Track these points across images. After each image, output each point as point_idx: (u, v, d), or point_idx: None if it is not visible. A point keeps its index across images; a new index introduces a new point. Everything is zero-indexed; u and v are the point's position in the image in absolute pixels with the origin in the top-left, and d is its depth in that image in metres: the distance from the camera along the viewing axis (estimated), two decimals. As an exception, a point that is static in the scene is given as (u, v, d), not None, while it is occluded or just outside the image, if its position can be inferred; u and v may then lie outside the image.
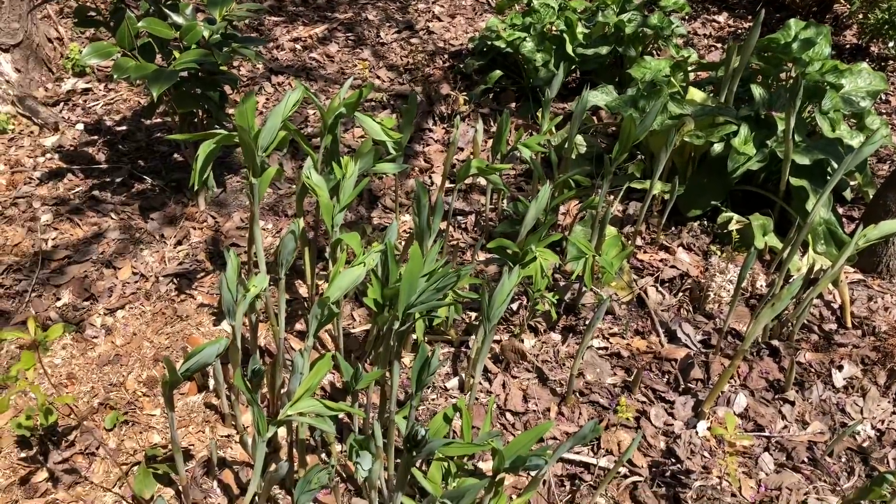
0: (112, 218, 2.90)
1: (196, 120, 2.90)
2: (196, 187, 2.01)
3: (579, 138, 3.26)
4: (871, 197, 2.70)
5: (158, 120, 3.47)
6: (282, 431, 2.10)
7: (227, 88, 3.12)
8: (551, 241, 2.42)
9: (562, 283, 2.64)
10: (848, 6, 4.13)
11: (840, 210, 2.99)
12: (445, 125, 3.59)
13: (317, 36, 4.38)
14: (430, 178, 3.26)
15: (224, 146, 2.03)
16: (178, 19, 2.56)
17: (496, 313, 1.81)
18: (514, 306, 2.58)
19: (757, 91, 2.76)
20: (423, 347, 1.60)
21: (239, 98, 3.75)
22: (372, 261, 1.67)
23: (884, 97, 3.76)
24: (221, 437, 2.12)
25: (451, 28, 4.50)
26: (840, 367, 2.32)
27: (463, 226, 2.99)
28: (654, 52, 4.04)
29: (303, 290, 2.59)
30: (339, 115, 2.07)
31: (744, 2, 4.73)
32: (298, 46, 4.28)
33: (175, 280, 2.63)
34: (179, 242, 2.81)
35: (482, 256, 2.78)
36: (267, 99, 3.79)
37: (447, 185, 3.09)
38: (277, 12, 4.67)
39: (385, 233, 2.04)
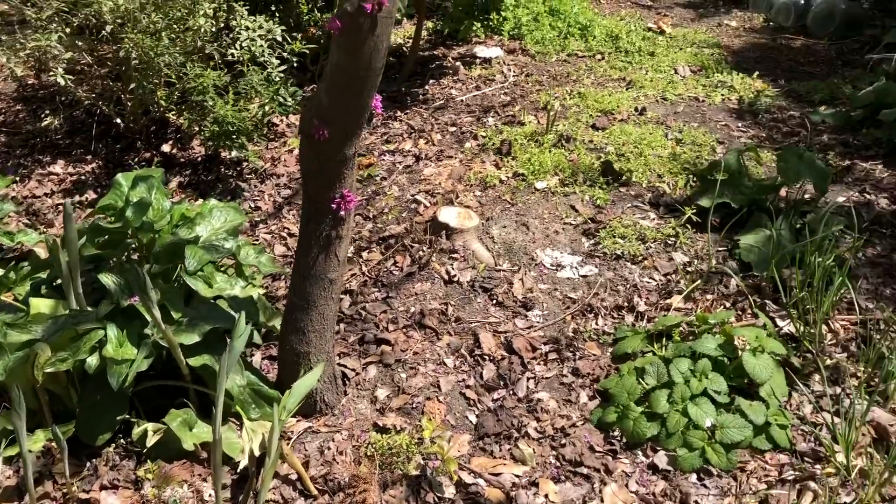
0: None
1: None
2: None
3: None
4: (280, 334, 2.48)
5: None
6: None
7: None
8: None
9: None
10: (182, 119, 3.96)
11: (260, 355, 2.75)
12: None
13: None
14: None
15: None
16: None
17: None
18: None
19: (108, 280, 2.29)
20: None
21: None
22: None
23: (254, 204, 3.67)
24: None
25: None
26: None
27: None
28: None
29: None
30: None
31: (78, 139, 4.24)
32: None
33: None
34: None
35: None
36: None
37: None
38: None
39: None
